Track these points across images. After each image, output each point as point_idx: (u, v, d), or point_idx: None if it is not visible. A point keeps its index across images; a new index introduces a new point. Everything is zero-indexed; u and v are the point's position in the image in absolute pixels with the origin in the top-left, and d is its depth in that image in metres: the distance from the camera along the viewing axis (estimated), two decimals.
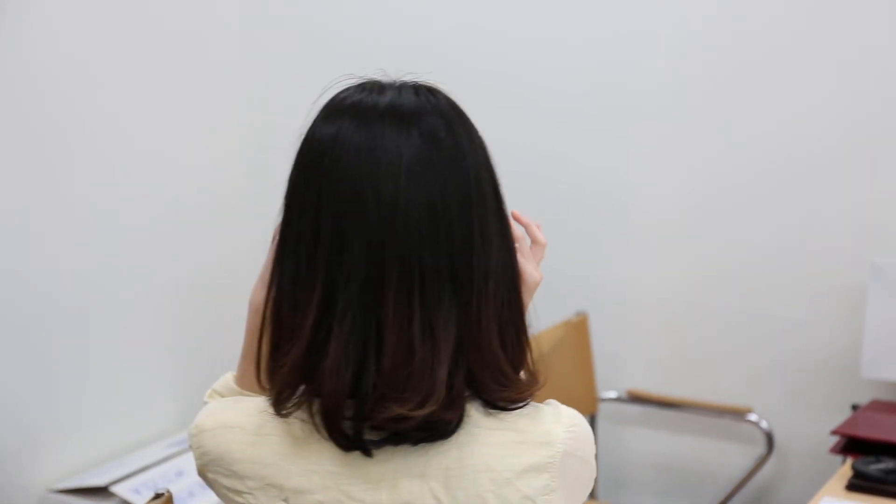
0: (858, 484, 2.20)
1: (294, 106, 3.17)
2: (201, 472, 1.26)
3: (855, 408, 2.61)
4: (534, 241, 1.36)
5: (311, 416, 1.16)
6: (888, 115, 2.65)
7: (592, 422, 2.99)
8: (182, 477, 2.66)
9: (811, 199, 2.74)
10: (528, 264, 1.30)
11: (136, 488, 2.59)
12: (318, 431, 1.15)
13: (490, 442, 1.16)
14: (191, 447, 1.27)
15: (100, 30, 2.75)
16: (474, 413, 1.17)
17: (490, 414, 1.17)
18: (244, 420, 1.22)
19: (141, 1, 2.86)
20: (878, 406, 2.58)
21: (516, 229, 1.27)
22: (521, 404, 1.18)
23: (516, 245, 1.27)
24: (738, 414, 2.86)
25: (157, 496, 1.60)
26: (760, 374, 2.86)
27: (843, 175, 2.71)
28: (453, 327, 1.13)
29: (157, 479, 2.63)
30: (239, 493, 1.22)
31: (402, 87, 1.20)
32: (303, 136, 1.20)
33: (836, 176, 2.71)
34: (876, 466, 2.21)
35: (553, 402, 1.22)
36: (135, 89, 2.85)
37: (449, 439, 1.16)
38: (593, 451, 1.21)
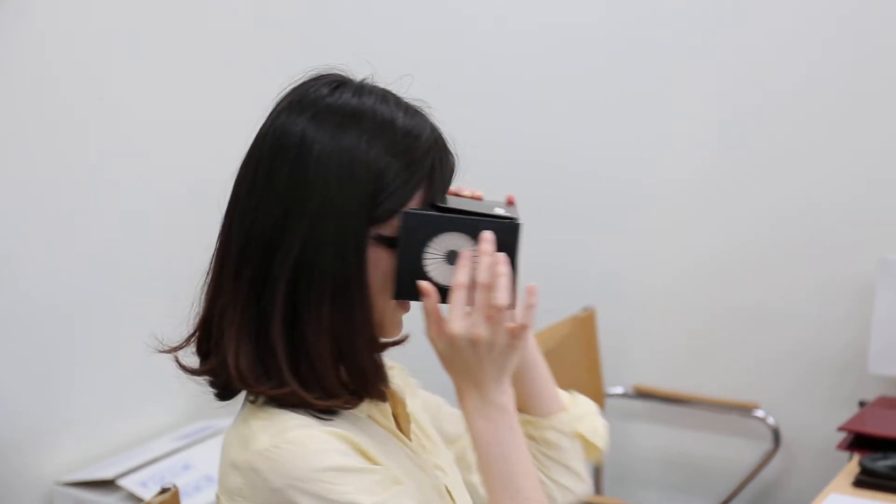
0: (865, 480, 2.20)
1: None
2: None
3: (862, 404, 2.61)
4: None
5: None
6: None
7: None
8: (189, 470, 2.66)
9: (819, 192, 2.74)
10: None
11: (143, 481, 2.60)
12: None
13: (232, 430, 1.26)
14: None
15: (100, 24, 2.72)
16: (255, 403, 1.26)
17: (261, 407, 1.24)
18: None
19: None
20: (885, 402, 2.58)
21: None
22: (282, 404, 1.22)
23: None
24: (745, 409, 2.86)
25: (164, 490, 1.60)
26: (767, 369, 2.86)
27: (852, 168, 2.70)
28: (240, 313, 1.23)
29: (164, 473, 2.63)
30: None
31: (334, 83, 1.27)
32: None
33: (845, 169, 2.71)
34: (883, 463, 2.21)
35: (304, 418, 1.21)
36: (135, 87, 2.82)
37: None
38: (295, 484, 1.14)
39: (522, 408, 1.42)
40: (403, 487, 1.19)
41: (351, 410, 1.25)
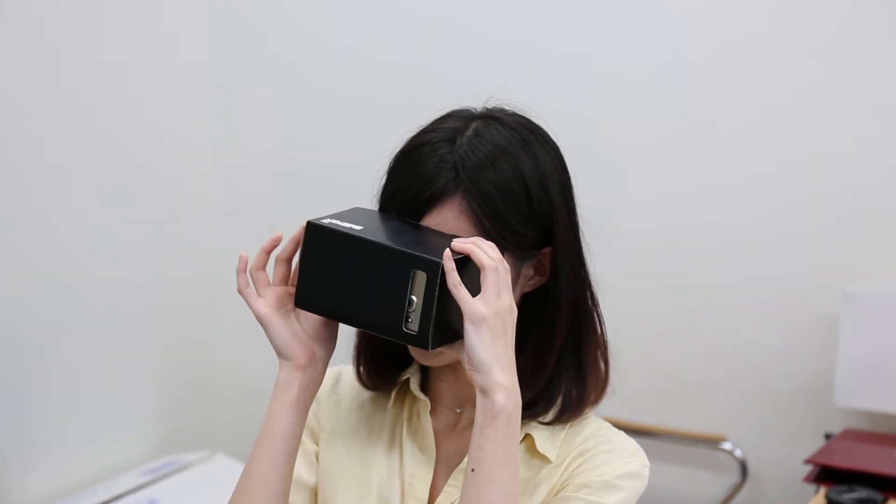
0: None
1: (271, 116, 3.21)
2: None
3: (828, 436, 2.63)
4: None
5: None
6: (861, 146, 2.68)
7: None
8: None
9: (785, 227, 2.76)
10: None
11: None
12: None
13: None
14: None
15: (65, 27, 2.70)
16: None
17: None
18: None
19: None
20: (850, 435, 2.60)
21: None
22: None
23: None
24: (712, 442, 2.87)
25: None
26: (734, 402, 2.86)
27: (815, 204, 2.73)
28: None
29: None
30: None
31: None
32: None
33: (809, 205, 2.73)
34: (849, 496, 2.22)
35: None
36: (104, 94, 2.81)
37: None
38: None
39: None
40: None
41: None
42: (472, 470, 1.22)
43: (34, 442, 2.69)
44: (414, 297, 1.21)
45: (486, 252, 1.23)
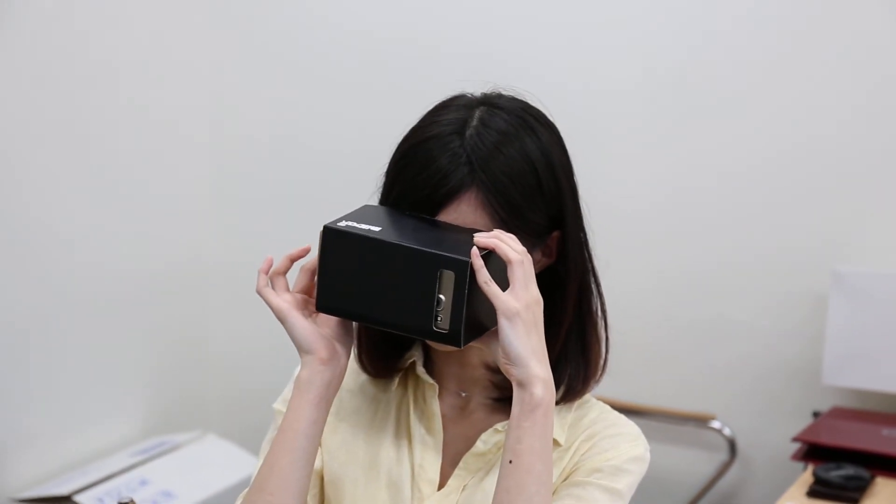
0: (819, 490, 2.23)
1: (258, 101, 3.20)
2: None
3: (816, 415, 2.64)
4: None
5: None
6: (850, 125, 2.68)
7: None
8: (146, 486, 2.64)
9: (774, 207, 2.77)
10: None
11: (99, 497, 2.58)
12: None
13: None
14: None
15: (61, 23, 2.70)
16: None
17: None
18: None
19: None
20: (838, 413, 2.61)
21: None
22: None
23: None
24: (701, 421, 2.88)
25: None
26: (723, 380, 2.88)
27: (805, 184, 2.73)
28: None
29: (121, 488, 2.62)
30: None
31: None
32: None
33: (798, 184, 2.74)
34: (837, 473, 2.24)
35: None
36: (98, 86, 2.81)
37: None
38: None
39: None
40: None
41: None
42: (510, 462, 1.22)
43: (27, 424, 2.69)
44: (442, 296, 1.20)
45: (510, 245, 1.23)
